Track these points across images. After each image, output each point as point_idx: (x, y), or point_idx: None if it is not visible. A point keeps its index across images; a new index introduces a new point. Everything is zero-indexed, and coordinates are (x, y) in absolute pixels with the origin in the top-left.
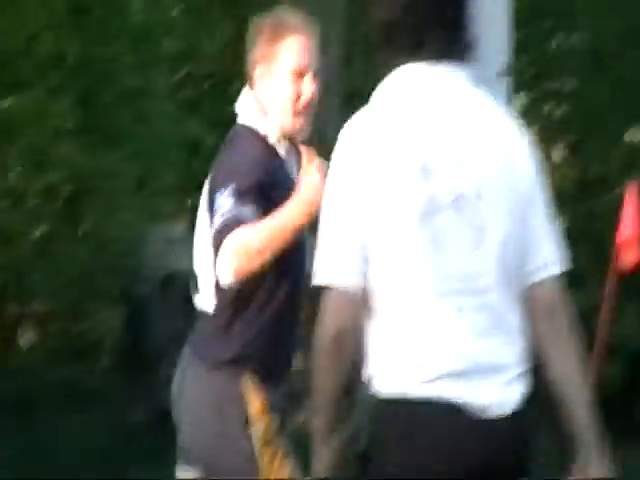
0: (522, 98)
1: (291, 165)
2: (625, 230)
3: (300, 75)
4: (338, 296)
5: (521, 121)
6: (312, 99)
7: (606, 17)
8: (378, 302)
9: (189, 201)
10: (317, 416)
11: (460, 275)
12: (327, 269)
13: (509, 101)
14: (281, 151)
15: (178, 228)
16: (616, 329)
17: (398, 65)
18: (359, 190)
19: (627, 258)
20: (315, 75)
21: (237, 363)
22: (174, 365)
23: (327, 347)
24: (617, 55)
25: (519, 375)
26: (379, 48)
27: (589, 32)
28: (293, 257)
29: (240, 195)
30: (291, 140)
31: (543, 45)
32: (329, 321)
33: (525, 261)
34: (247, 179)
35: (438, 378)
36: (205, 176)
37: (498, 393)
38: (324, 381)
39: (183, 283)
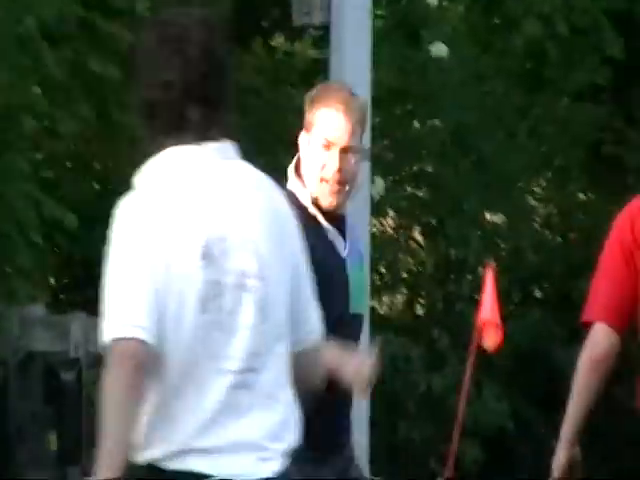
0: (382, 181)
1: (333, 236)
2: (485, 311)
3: (327, 147)
4: (134, 347)
5: (382, 203)
6: (337, 173)
7: (466, 100)
8: (160, 371)
9: (48, 282)
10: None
11: (241, 354)
12: (124, 324)
13: (369, 184)
14: (321, 220)
15: (36, 309)
16: (475, 409)
17: (160, 143)
18: (144, 269)
19: (488, 339)
20: (346, 150)
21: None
22: (33, 446)
23: (123, 396)
24: (476, 138)
25: (280, 453)
26: (142, 126)
27: (449, 115)
28: None
29: None
30: (330, 213)
31: (403, 128)
32: (127, 370)
33: (295, 332)
34: None
35: (187, 452)
36: (67, 257)
37: (250, 469)
38: (114, 428)
39: (42, 364)
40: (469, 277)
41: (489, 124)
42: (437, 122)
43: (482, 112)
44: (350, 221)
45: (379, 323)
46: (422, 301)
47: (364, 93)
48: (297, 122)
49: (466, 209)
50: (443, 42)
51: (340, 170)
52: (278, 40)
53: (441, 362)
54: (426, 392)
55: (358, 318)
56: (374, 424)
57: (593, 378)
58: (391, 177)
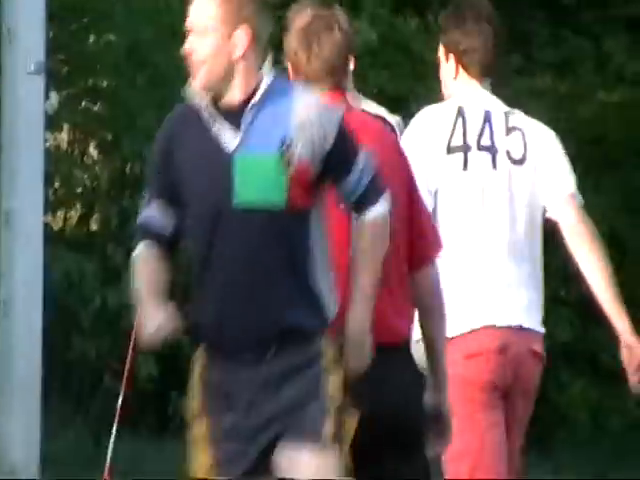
0: (58, 95)
1: (217, 127)
2: None
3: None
4: None
5: (57, 118)
6: (189, 56)
7: (142, 16)
8: None
9: None
10: None
11: None
12: None
13: (45, 98)
14: (203, 112)
15: None
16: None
17: None
18: None
19: None
20: (191, 32)
21: (191, 332)
22: None
23: None
24: (152, 53)
25: None
26: None
27: (125, 31)
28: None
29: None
30: (226, 106)
31: (79, 43)
32: None
33: None
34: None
35: None
36: None
37: None
38: None
39: None
40: (144, 194)
41: (164, 39)
42: (112, 37)
43: (158, 26)
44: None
45: (53, 239)
46: (97, 217)
47: (39, 8)
48: None
49: (141, 125)
50: None
51: (191, 52)
52: None
53: (116, 278)
54: (101, 307)
55: (246, 207)
56: (48, 340)
57: None
58: (66, 92)
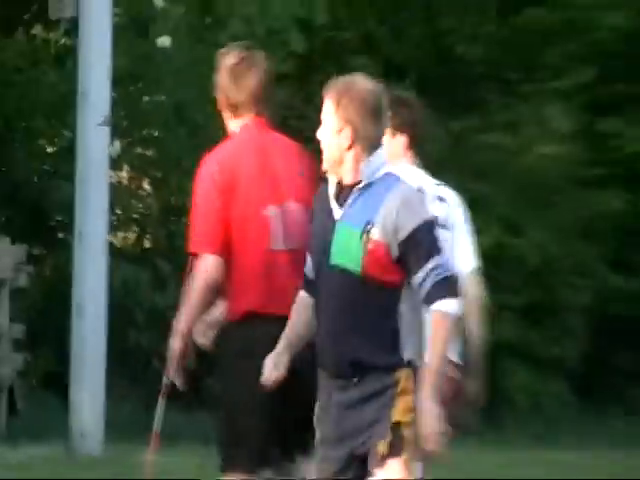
0: (119, 143)
1: (333, 203)
2: None
3: None
4: None
5: (119, 161)
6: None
7: (184, 81)
8: None
9: None
10: None
11: None
12: None
13: (109, 145)
14: (329, 190)
15: None
16: None
17: None
18: None
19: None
20: (322, 122)
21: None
22: None
23: None
24: (192, 110)
25: None
26: None
27: (171, 92)
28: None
29: None
30: (343, 186)
31: (136, 102)
32: None
33: None
34: None
35: None
36: None
37: None
38: None
39: None
40: (187, 220)
41: (202, 99)
42: (162, 97)
43: (197, 89)
44: (379, 197)
45: (115, 254)
46: (149, 237)
47: (104, 75)
48: (51, 96)
49: (184, 166)
50: (167, 35)
51: (319, 140)
52: (37, 29)
53: (163, 285)
54: (151, 308)
55: (336, 267)
56: (110, 334)
57: (207, 297)
58: (126, 140)
